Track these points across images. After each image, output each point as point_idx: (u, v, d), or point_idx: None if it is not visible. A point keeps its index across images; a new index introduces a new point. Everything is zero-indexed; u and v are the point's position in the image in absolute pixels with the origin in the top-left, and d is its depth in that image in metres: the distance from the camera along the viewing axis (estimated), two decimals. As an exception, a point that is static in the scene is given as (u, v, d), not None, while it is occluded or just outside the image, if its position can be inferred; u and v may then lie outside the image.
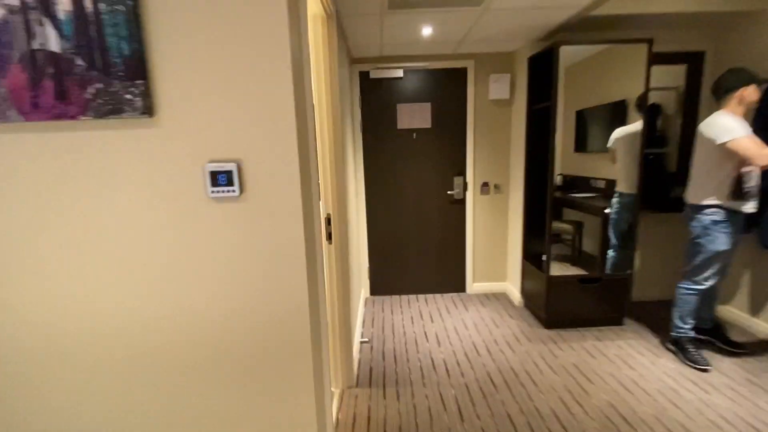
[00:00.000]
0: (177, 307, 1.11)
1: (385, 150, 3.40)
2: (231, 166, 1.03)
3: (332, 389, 2.28)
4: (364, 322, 3.09)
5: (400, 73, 3.25)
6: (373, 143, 3.39)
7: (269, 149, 1.04)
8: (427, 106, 3.32)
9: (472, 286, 3.60)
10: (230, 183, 1.04)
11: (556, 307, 2.84)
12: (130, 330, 1.12)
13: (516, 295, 3.34)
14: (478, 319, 3.07)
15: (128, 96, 1.00)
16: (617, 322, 2.90)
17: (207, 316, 1.11)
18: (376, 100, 3.32)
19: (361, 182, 3.44)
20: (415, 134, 3.37)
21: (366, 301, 3.52)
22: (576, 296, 2.83)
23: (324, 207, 2.10)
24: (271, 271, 1.10)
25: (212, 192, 1.04)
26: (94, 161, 1.04)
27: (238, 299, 1.11)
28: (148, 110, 1.01)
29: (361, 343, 2.76)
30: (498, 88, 3.25)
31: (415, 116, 3.33)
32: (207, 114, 1.02)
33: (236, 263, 1.09)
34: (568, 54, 2.66)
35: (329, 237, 2.11)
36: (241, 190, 1.05)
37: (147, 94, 1.00)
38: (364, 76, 3.28)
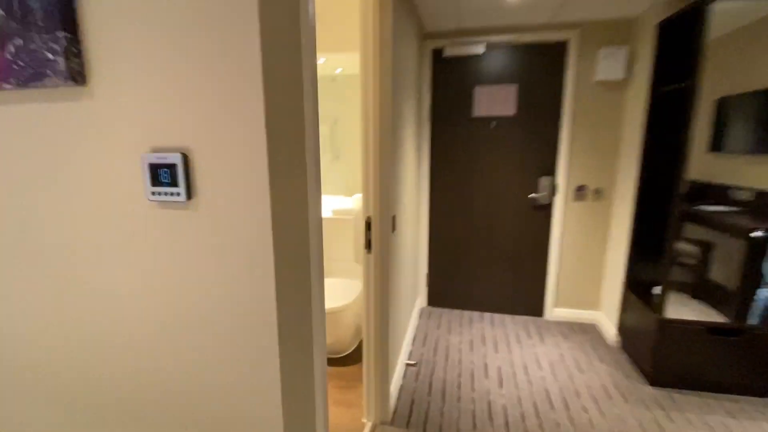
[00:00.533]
0: (97, 347, 0.84)
1: (457, 141, 2.91)
2: (174, 158, 0.71)
3: (363, 420, 1.95)
4: (414, 338, 2.70)
5: (480, 49, 2.71)
6: (442, 133, 2.92)
7: (227, 138, 0.68)
8: (511, 89, 2.74)
9: (552, 311, 2.96)
10: (174, 183, 0.71)
11: (670, 358, 2.12)
12: (34, 359, 0.88)
13: (610, 331, 2.64)
14: (556, 356, 2.47)
15: (49, 55, 0.72)
16: (762, 392, 2.08)
17: (133, 365, 0.82)
18: (449, 82, 2.83)
19: (425, 177, 3.00)
20: (494, 123, 2.82)
21: (421, 312, 3.11)
22: (701, 349, 2.08)
23: (364, 209, 1.74)
24: (225, 318, 0.76)
25: (153, 194, 0.73)
26: (15, 147, 0.79)
27: (178, 346, 0.79)
28: (76, 75, 0.72)
29: (407, 365, 2.37)
30: (609, 65, 2.52)
31: (495, 101, 2.77)
32: (156, 82, 0.70)
33: (179, 301, 0.77)
34: (721, 16, 1.89)
35: (368, 245, 1.75)
36: (190, 194, 0.72)
37: (73, 53, 0.71)
38: (436, 54, 2.81)
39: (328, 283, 2.58)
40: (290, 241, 0.78)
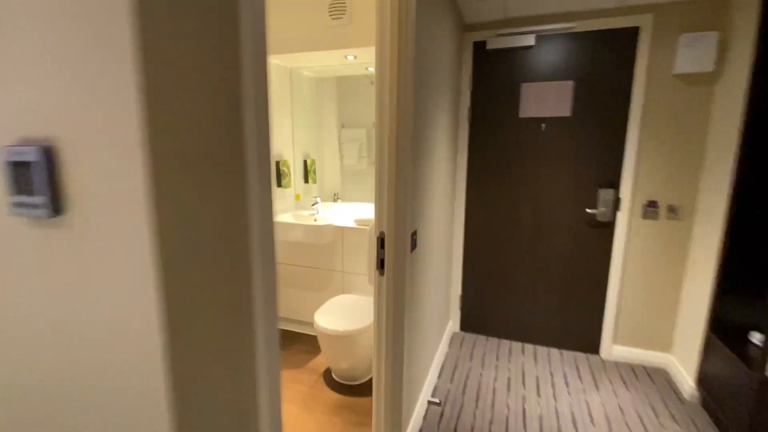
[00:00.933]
0: None
1: (499, 146, 2.56)
2: (30, 154, 0.49)
3: (372, 469, 1.66)
4: (442, 370, 2.36)
5: (530, 41, 2.35)
6: (482, 137, 2.58)
7: (102, 134, 0.46)
8: (566, 86, 2.34)
9: (611, 348, 2.49)
10: (31, 190, 0.50)
11: (774, 431, 1.62)
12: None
13: (685, 381, 2.14)
14: (613, 407, 2.02)
15: None
16: None
17: None
18: (492, 79, 2.50)
19: (462, 187, 2.67)
20: (544, 125, 2.43)
21: (453, 338, 2.76)
22: (822, 423, 1.56)
23: (377, 224, 1.47)
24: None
25: (15, 206, 0.52)
26: None
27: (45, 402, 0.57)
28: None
29: (430, 404, 2.05)
30: (693, 55, 2.06)
31: (546, 100, 2.39)
32: (25, 55, 0.49)
33: (48, 345, 0.55)
34: None
35: (381, 265, 1.47)
36: (57, 207, 0.50)
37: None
38: (478, 48, 2.49)
39: (346, 299, 2.34)
40: (206, 263, 0.54)
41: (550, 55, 2.35)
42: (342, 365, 2.14)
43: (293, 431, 1.84)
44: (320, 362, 2.42)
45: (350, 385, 2.20)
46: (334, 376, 2.26)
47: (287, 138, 2.82)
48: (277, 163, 2.71)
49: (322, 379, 2.24)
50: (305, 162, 2.98)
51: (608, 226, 2.40)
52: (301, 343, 2.63)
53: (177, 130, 0.47)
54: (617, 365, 2.41)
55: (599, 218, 2.40)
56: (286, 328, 2.84)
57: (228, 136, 0.56)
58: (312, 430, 1.85)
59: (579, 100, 2.34)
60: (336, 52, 2.38)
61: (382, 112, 1.40)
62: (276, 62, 2.64)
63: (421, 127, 1.65)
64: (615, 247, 2.39)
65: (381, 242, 1.46)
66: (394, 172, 1.42)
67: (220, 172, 0.55)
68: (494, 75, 2.48)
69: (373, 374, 1.59)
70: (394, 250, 1.47)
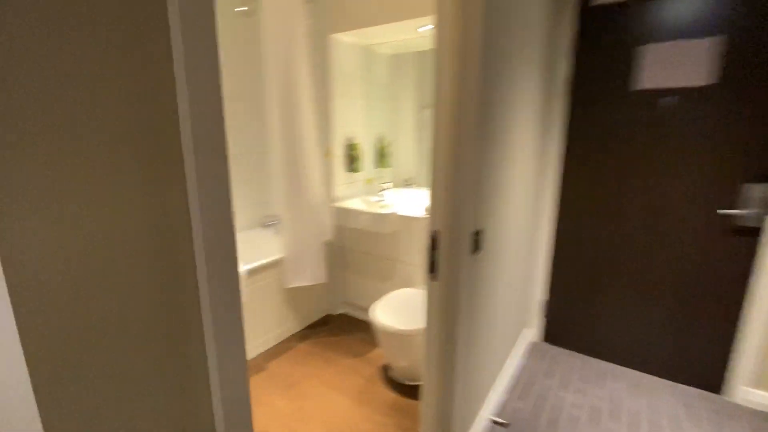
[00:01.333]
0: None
1: (605, 125, 2.09)
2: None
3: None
4: (515, 384, 2.09)
5: (655, -11, 1.83)
6: (581, 116, 2.14)
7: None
8: (705, 46, 1.78)
9: (740, 390, 1.92)
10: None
11: None
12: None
13: None
14: (742, 471, 1.55)
15: None
16: None
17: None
18: (598, 42, 2.02)
19: (552, 176, 2.27)
20: (669, 98, 1.90)
21: (532, 349, 2.43)
22: None
23: (431, 221, 1.27)
24: None
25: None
26: None
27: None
28: None
29: (494, 423, 1.82)
30: None
31: (676, 65, 1.86)
32: None
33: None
34: None
35: (432, 268, 1.28)
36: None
37: None
38: (580, 5, 2.03)
39: (407, 294, 2.19)
40: (113, 281, 0.42)
41: (685, 5, 1.80)
42: (400, 363, 2.02)
43: (341, 425, 1.79)
44: (380, 354, 2.33)
45: (408, 385, 2.08)
46: (392, 373, 2.16)
47: (359, 120, 2.71)
48: (348, 146, 2.63)
49: (379, 374, 2.16)
50: (378, 145, 2.85)
51: (753, 233, 1.82)
52: (362, 332, 2.58)
53: (46, 119, 0.35)
54: (752, 414, 1.86)
55: (741, 222, 1.82)
56: (348, 313, 2.82)
57: (148, 125, 0.43)
58: (359, 430, 1.77)
59: (729, 63, 1.76)
60: (405, 23, 2.16)
61: (440, 87, 1.17)
62: (348, 39, 2.51)
63: (493, 104, 1.37)
64: (763, 260, 1.80)
65: (433, 243, 1.26)
66: (452, 160, 1.19)
67: (133, 174, 0.43)
68: (602, 37, 2.01)
69: (422, 385, 1.43)
70: (448, 252, 1.25)
